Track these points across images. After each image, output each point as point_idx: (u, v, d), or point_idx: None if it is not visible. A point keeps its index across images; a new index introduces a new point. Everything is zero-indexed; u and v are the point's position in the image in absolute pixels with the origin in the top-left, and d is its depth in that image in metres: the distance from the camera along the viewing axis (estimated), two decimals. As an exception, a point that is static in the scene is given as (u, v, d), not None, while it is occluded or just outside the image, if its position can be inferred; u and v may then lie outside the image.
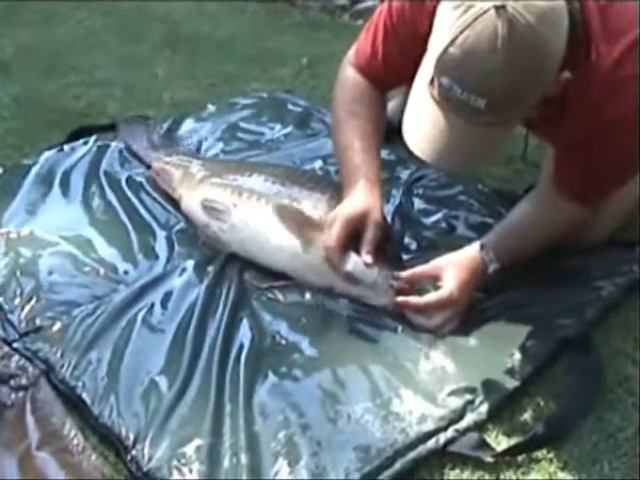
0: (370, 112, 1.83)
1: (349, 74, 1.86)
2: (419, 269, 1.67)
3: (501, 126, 1.42)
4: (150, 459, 1.38)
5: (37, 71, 3.04)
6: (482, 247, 1.66)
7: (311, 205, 1.83)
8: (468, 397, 1.48)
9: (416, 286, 1.67)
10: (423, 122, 1.46)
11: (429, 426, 1.43)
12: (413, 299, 1.63)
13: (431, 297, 1.62)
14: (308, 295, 1.75)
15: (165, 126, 2.48)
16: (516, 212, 1.75)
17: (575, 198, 1.67)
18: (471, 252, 1.66)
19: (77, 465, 1.39)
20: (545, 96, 1.44)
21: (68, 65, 3.09)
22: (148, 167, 2.23)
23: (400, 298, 1.64)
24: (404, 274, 1.67)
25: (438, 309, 1.63)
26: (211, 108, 2.62)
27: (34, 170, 2.24)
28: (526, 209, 1.75)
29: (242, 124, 2.52)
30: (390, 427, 1.43)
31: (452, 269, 1.63)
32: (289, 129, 2.50)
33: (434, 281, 1.65)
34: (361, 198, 1.72)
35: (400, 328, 1.65)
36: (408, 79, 1.54)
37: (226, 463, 1.37)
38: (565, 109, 1.52)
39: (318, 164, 2.27)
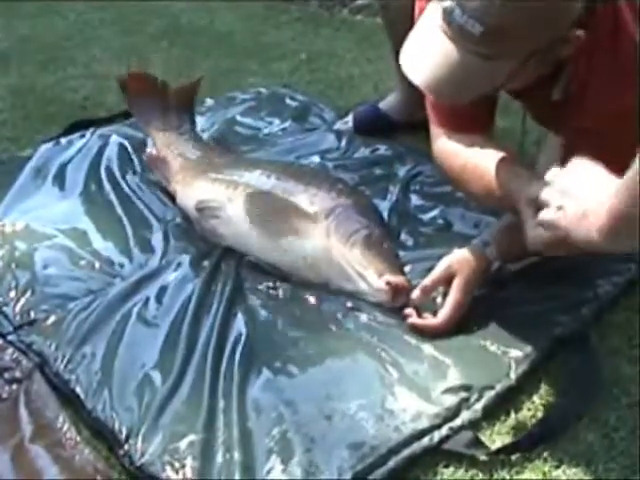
0: (476, 140, 1.67)
1: (440, 143, 1.73)
2: (433, 277, 1.65)
3: (495, 60, 1.39)
4: (143, 454, 1.37)
5: (35, 63, 3.04)
6: (486, 244, 1.65)
7: (307, 200, 1.83)
8: (463, 395, 1.47)
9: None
10: (422, 51, 1.45)
11: (423, 424, 1.42)
12: (432, 322, 1.62)
13: (445, 313, 1.61)
14: (303, 291, 1.75)
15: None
16: None
17: None
18: (476, 250, 1.65)
19: (70, 459, 1.39)
20: (557, 56, 1.44)
21: (66, 57, 3.09)
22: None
23: (417, 321, 1.63)
24: (421, 288, 1.65)
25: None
26: (209, 102, 2.62)
27: (30, 163, 2.24)
28: None
29: (240, 118, 2.53)
30: (384, 425, 1.42)
31: (462, 273, 1.62)
32: (287, 124, 2.50)
33: (447, 285, 1.64)
34: None
35: (395, 325, 1.64)
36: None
37: (219, 459, 1.36)
38: (587, 89, 1.50)
39: (315, 159, 2.27)
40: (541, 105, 1.63)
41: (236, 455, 1.36)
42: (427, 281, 1.65)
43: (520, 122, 1.74)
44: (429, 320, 1.63)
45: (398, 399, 1.48)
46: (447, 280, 1.63)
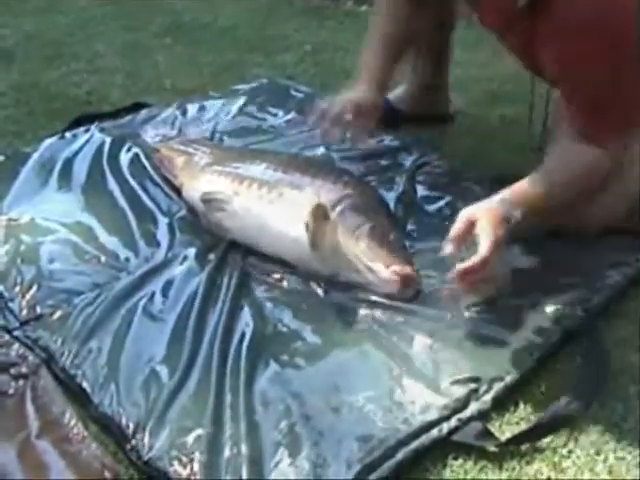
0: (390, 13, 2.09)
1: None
2: (458, 228, 1.59)
3: None
4: (150, 448, 1.36)
5: (39, 59, 3.04)
6: (503, 200, 1.62)
7: (314, 192, 1.82)
8: (472, 386, 1.47)
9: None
10: None
11: (432, 415, 1.41)
12: (476, 259, 1.54)
13: (485, 246, 1.54)
14: (310, 283, 1.74)
15: (167, 113, 2.48)
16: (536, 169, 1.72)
17: (588, 137, 1.68)
18: (493, 202, 1.63)
19: (77, 454, 1.38)
20: None
21: (69, 53, 3.10)
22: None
23: (465, 265, 1.54)
24: (452, 241, 1.58)
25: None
26: (213, 95, 2.61)
27: (35, 157, 2.24)
28: (545, 161, 1.74)
29: (244, 110, 2.52)
30: (392, 417, 1.41)
31: (484, 215, 1.58)
32: (291, 115, 2.49)
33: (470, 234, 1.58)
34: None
35: (403, 317, 1.63)
36: None
37: (226, 453, 1.35)
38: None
39: (320, 151, 2.26)
40: (523, 41, 1.69)
41: (243, 449, 1.35)
42: (453, 234, 1.59)
43: (526, 111, 1.74)
44: (473, 259, 1.55)
45: (406, 391, 1.47)
46: (470, 230, 1.58)
